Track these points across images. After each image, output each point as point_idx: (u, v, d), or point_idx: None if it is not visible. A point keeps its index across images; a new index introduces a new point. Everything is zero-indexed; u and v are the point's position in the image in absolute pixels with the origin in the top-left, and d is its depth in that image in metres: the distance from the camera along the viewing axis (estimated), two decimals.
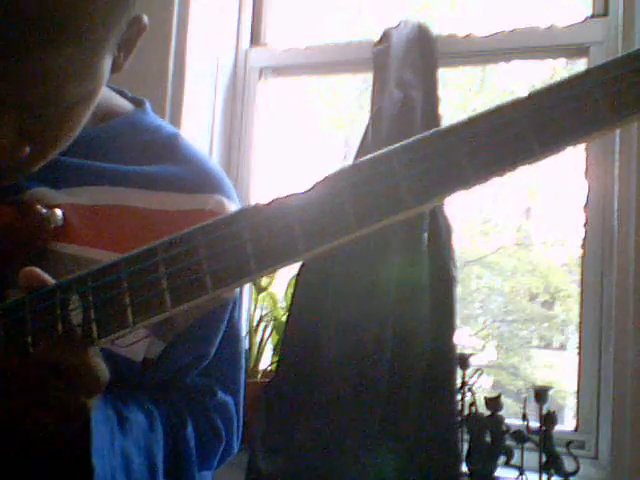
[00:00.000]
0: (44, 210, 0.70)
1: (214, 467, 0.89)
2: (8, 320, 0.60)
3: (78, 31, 0.63)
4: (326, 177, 0.56)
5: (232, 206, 0.83)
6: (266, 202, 0.57)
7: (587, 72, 0.51)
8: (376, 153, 0.55)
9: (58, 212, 0.70)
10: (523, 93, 0.53)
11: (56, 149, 0.73)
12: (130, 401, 0.76)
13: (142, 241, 0.71)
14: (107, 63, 0.70)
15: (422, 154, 0.53)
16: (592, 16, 1.76)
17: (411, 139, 0.55)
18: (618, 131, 1.63)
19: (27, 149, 0.69)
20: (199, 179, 0.83)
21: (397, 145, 0.54)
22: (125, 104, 0.87)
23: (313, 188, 0.56)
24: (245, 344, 1.80)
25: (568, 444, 1.56)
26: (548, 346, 2.58)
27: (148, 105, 0.89)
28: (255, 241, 0.55)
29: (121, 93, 0.88)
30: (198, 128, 1.92)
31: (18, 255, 0.69)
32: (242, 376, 0.89)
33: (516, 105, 0.52)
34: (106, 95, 0.83)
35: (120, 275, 0.58)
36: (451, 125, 0.53)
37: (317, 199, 0.55)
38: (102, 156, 0.79)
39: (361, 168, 0.55)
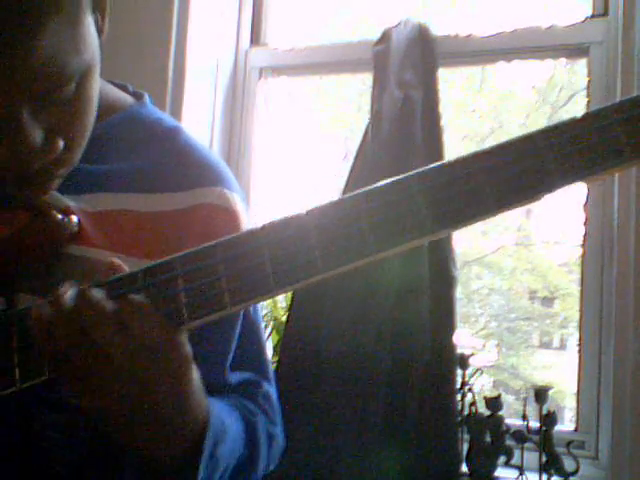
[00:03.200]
0: (60, 216, 0.69)
1: (273, 467, 0.88)
2: None
3: (55, 2, 0.61)
4: (343, 197, 0.57)
5: (235, 197, 0.82)
6: (284, 219, 0.57)
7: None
8: (394, 178, 0.56)
9: (74, 218, 0.70)
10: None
11: (84, 135, 0.71)
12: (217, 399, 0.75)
13: (147, 244, 0.72)
14: (92, 27, 0.68)
15: (440, 181, 0.55)
16: (592, 16, 1.76)
17: (429, 167, 0.56)
18: None
19: (61, 142, 0.68)
20: (199, 172, 0.82)
21: (414, 172, 0.56)
22: (126, 98, 0.86)
23: (329, 206, 0.57)
24: None
25: (568, 444, 1.56)
26: (548, 346, 2.58)
27: (147, 98, 0.88)
28: (274, 260, 0.56)
29: (123, 88, 0.88)
30: (198, 128, 1.92)
31: (32, 260, 0.69)
32: (271, 365, 0.89)
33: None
34: (107, 90, 0.83)
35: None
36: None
37: (336, 220, 0.56)
38: (102, 158, 0.79)
39: (380, 192, 0.56)
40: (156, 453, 0.63)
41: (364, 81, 2.07)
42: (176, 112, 1.84)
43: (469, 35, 1.83)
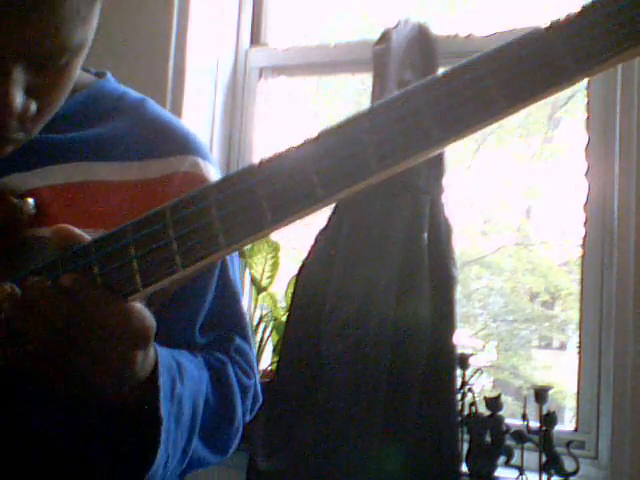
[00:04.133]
0: (16, 200, 0.69)
1: (250, 419, 0.87)
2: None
3: None
4: (336, 125, 0.56)
5: (208, 166, 0.81)
6: (274, 155, 0.57)
7: (548, 27, 0.54)
8: (344, 118, 0.56)
9: (30, 201, 0.69)
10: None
11: (55, 107, 0.72)
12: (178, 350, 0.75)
13: (120, 215, 0.70)
14: (99, 5, 0.69)
15: (388, 117, 0.54)
16: None
17: (377, 103, 0.56)
18: (618, 131, 1.63)
19: (34, 107, 0.68)
20: (170, 141, 0.80)
21: (363, 109, 0.55)
22: (88, 77, 0.85)
23: (320, 137, 0.56)
24: None
25: (568, 444, 1.56)
26: (548, 346, 2.58)
27: (110, 75, 0.87)
28: (270, 195, 0.55)
29: (85, 70, 0.86)
30: (198, 128, 1.92)
31: None
32: (248, 323, 0.87)
33: (479, 63, 0.55)
34: None
35: (127, 241, 0.58)
36: (415, 87, 0.55)
37: (332, 146, 0.55)
38: (69, 130, 0.78)
39: (382, 108, 0.54)
40: (110, 401, 0.64)
41: (364, 81, 2.07)
42: (176, 112, 1.84)
43: (469, 35, 1.83)
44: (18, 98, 0.65)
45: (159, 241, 0.57)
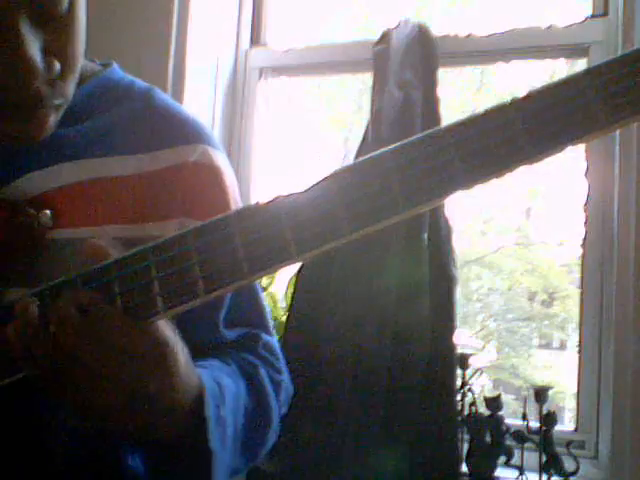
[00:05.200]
0: (33, 212, 0.68)
1: (285, 411, 0.87)
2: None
3: None
4: (320, 179, 0.56)
5: (217, 154, 0.80)
6: (257, 204, 0.56)
7: (585, 72, 0.51)
8: (368, 156, 0.55)
9: (47, 213, 0.68)
10: (518, 94, 0.52)
11: (77, 63, 0.70)
12: (212, 360, 0.74)
13: (133, 207, 0.71)
14: None
15: (414, 156, 0.53)
16: (592, 16, 1.76)
17: (402, 142, 0.54)
18: (618, 132, 1.63)
19: (56, 65, 0.66)
20: (178, 131, 0.80)
21: (389, 147, 0.54)
22: (94, 67, 0.85)
23: (306, 190, 0.56)
24: None
25: (568, 444, 1.56)
26: (548, 346, 2.58)
27: (116, 65, 0.86)
28: (247, 245, 0.55)
29: (91, 60, 0.86)
30: None
31: (8, 259, 0.68)
32: (269, 317, 0.87)
33: (508, 107, 0.52)
34: None
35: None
36: (443, 128, 0.53)
37: (309, 201, 0.55)
38: (80, 122, 0.77)
39: (353, 170, 0.54)
40: (157, 436, 0.62)
41: (364, 81, 2.07)
42: None
43: (469, 35, 1.83)
44: (35, 55, 0.64)
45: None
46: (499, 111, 0.52)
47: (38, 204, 0.71)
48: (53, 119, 0.69)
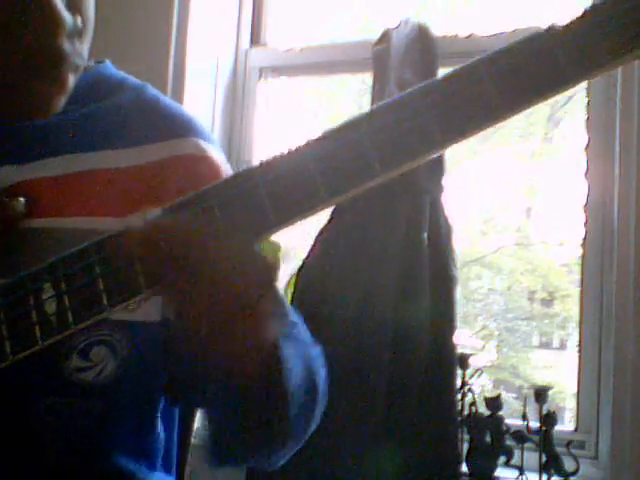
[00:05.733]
0: (6, 199, 0.67)
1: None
2: None
3: None
4: (341, 124, 0.56)
5: (211, 148, 0.79)
6: (277, 156, 0.57)
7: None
8: (394, 97, 0.55)
9: (21, 200, 0.67)
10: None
11: (92, 24, 0.71)
12: None
13: (121, 201, 0.70)
14: None
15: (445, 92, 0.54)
16: None
17: (431, 81, 0.56)
18: (618, 131, 1.63)
19: (79, 20, 0.67)
20: (171, 124, 0.79)
21: (415, 88, 0.55)
22: (88, 63, 0.84)
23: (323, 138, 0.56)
24: None
25: (568, 444, 1.56)
26: (548, 346, 2.58)
27: (109, 62, 0.86)
28: (273, 194, 0.55)
29: None
30: None
31: None
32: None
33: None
34: None
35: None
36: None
37: (334, 148, 0.55)
38: (72, 111, 0.76)
39: (382, 110, 0.55)
40: (244, 369, 0.58)
41: (364, 81, 2.07)
42: None
43: (469, 35, 1.83)
44: (62, 7, 0.65)
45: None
46: (470, 70, 0.56)
47: (15, 193, 0.70)
48: (72, 81, 0.69)
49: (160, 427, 0.82)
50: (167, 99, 0.84)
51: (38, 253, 0.64)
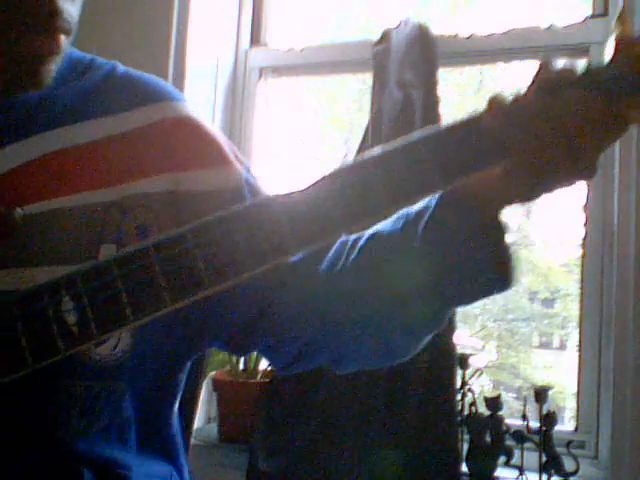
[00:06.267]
0: (3, 210, 0.66)
1: None
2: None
3: None
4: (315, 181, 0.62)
5: (191, 109, 0.81)
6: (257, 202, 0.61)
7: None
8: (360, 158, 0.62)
9: (19, 211, 0.66)
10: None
11: None
12: None
13: (104, 172, 0.72)
14: None
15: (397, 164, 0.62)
16: (592, 16, 1.76)
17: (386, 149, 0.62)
18: None
19: None
20: (145, 90, 0.80)
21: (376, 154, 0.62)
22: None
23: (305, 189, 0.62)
24: None
25: (568, 444, 1.56)
26: (548, 346, 2.58)
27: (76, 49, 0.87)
28: (249, 240, 0.59)
29: None
30: None
31: None
32: None
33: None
34: None
35: (113, 275, 0.58)
36: (418, 139, 0.63)
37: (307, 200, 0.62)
38: (45, 99, 0.76)
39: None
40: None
41: (364, 81, 2.07)
42: None
43: (469, 35, 1.83)
44: None
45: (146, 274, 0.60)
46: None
47: (7, 184, 0.71)
48: (64, 42, 0.70)
49: (176, 419, 0.84)
50: (138, 71, 0.84)
51: (42, 238, 0.68)
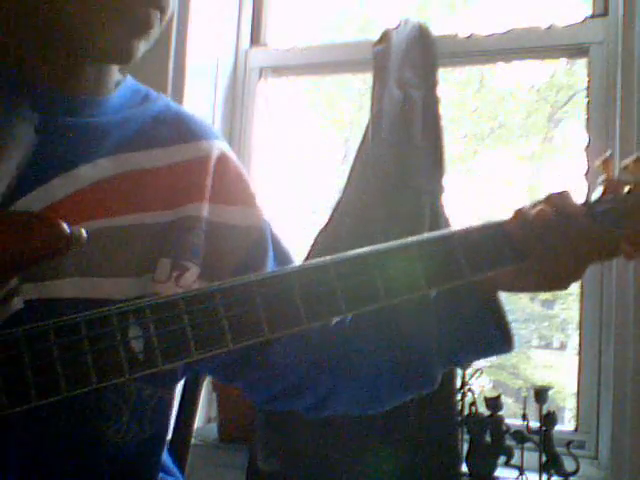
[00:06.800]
0: (68, 230, 0.66)
1: None
2: (65, 339, 0.61)
3: None
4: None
5: (228, 147, 0.91)
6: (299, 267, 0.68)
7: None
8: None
9: (83, 233, 0.67)
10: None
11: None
12: None
13: (161, 197, 0.80)
14: None
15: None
16: (592, 16, 1.76)
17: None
18: (618, 131, 1.64)
19: None
20: (197, 128, 0.89)
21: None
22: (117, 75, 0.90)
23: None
24: None
25: (568, 444, 1.56)
26: (548, 346, 2.58)
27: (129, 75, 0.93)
28: (303, 297, 0.66)
29: None
30: None
31: (21, 267, 0.67)
32: None
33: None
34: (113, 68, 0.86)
35: (180, 310, 0.63)
36: (452, 232, 0.75)
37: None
38: (111, 122, 0.82)
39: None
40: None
41: (364, 81, 2.07)
42: None
43: (469, 35, 1.83)
44: None
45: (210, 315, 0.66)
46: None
47: (79, 200, 0.76)
48: (157, 23, 0.78)
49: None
50: (186, 110, 0.94)
51: (106, 250, 0.74)
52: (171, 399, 0.83)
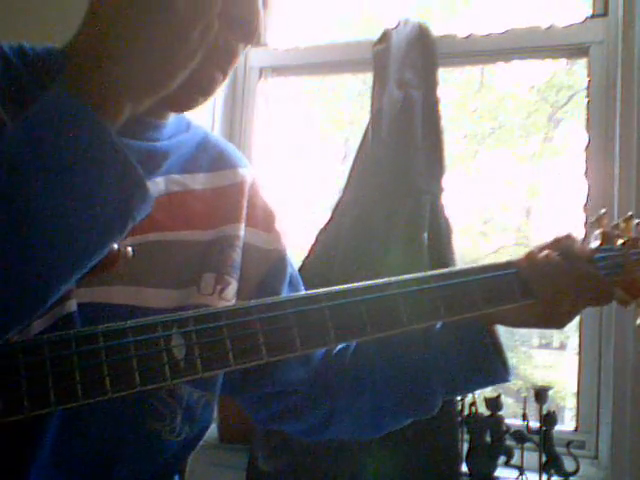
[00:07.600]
0: (115, 246, 0.70)
1: None
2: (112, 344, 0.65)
3: None
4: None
5: (257, 175, 0.99)
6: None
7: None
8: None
9: (129, 251, 0.72)
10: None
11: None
12: None
13: (206, 216, 0.88)
14: None
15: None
16: (592, 16, 1.76)
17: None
18: (618, 131, 1.64)
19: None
20: (234, 156, 0.97)
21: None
22: None
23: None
24: None
25: (568, 444, 1.56)
26: (548, 346, 2.58)
27: None
28: (332, 317, 0.73)
29: None
30: None
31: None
32: None
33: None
34: None
35: (220, 323, 0.69)
36: (466, 270, 0.83)
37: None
38: (166, 145, 0.89)
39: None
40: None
41: (364, 81, 2.07)
42: None
43: (469, 35, 1.83)
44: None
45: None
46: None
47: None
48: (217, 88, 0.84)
49: None
50: (222, 139, 1.03)
51: (154, 263, 0.80)
52: (214, 401, 0.87)
